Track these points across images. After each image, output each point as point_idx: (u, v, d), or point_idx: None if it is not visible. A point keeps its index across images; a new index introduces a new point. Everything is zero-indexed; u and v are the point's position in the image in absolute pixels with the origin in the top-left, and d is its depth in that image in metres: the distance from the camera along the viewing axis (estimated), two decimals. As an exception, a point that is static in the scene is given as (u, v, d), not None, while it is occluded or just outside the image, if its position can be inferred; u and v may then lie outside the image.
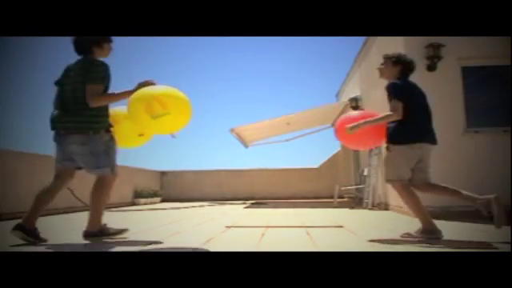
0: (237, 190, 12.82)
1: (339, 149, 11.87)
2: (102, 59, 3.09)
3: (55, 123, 3.04)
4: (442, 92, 5.07)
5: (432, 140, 3.11)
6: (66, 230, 3.95)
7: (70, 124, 2.98)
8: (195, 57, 30.43)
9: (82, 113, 2.95)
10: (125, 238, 3.16)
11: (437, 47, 4.98)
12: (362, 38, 7.64)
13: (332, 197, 8.59)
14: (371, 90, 7.38)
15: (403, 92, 3.05)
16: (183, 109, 2.79)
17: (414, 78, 5.08)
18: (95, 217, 3.04)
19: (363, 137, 3.22)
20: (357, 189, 8.26)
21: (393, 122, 3.05)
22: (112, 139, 3.09)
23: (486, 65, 5.15)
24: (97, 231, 3.02)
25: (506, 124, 4.93)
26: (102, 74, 2.97)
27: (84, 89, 2.92)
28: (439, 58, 5.01)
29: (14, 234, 2.90)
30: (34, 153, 6.43)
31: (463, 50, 5.09)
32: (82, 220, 5.14)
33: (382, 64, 3.29)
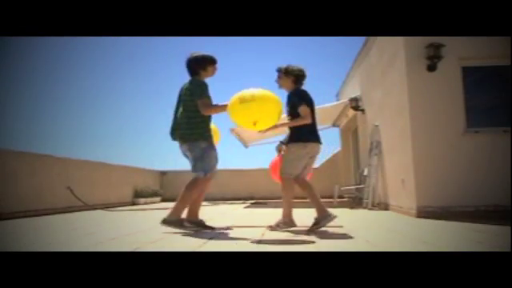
0: (237, 190, 12.81)
1: (339, 149, 11.87)
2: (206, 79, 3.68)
3: (173, 135, 3.67)
4: (442, 92, 5.07)
5: (320, 140, 3.65)
6: (66, 230, 3.95)
7: (179, 135, 3.58)
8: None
9: (187, 125, 3.52)
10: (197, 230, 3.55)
11: (437, 47, 4.97)
12: (362, 38, 7.64)
13: (332, 197, 8.60)
14: (371, 89, 7.38)
15: (305, 98, 3.52)
16: (268, 101, 3.09)
17: (414, 77, 5.11)
18: (180, 208, 3.51)
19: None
20: (357, 189, 8.26)
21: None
22: (209, 147, 3.56)
23: (486, 65, 5.14)
24: (174, 220, 3.47)
25: (506, 124, 4.92)
26: (207, 92, 3.55)
27: (190, 105, 3.51)
28: (439, 57, 5.01)
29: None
30: (34, 153, 6.43)
31: (463, 50, 5.08)
32: (81, 220, 5.16)
33: (279, 77, 3.70)
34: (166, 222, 3.48)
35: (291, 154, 3.57)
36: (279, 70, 3.69)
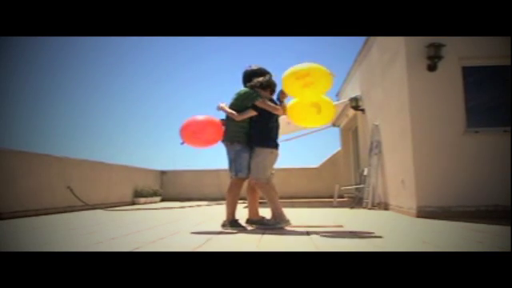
0: (237, 190, 12.80)
1: (339, 148, 11.87)
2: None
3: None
4: (443, 92, 5.07)
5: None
6: (66, 230, 3.95)
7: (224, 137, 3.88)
8: (196, 55, 30.42)
9: (228, 128, 3.84)
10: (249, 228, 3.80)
11: (437, 47, 4.97)
12: (362, 38, 7.63)
13: (332, 196, 8.60)
14: (371, 89, 7.38)
15: (257, 108, 3.72)
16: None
17: (415, 77, 5.11)
18: (228, 210, 3.85)
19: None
20: (357, 189, 8.26)
21: (257, 129, 3.75)
22: (242, 149, 3.77)
23: (486, 65, 5.14)
24: (230, 221, 3.81)
25: (506, 124, 4.92)
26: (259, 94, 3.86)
27: (233, 109, 3.80)
28: (440, 57, 5.00)
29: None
30: (34, 152, 6.42)
31: (464, 50, 5.08)
32: (81, 220, 5.15)
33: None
34: (223, 225, 3.86)
35: (264, 160, 3.72)
36: (256, 86, 3.87)
